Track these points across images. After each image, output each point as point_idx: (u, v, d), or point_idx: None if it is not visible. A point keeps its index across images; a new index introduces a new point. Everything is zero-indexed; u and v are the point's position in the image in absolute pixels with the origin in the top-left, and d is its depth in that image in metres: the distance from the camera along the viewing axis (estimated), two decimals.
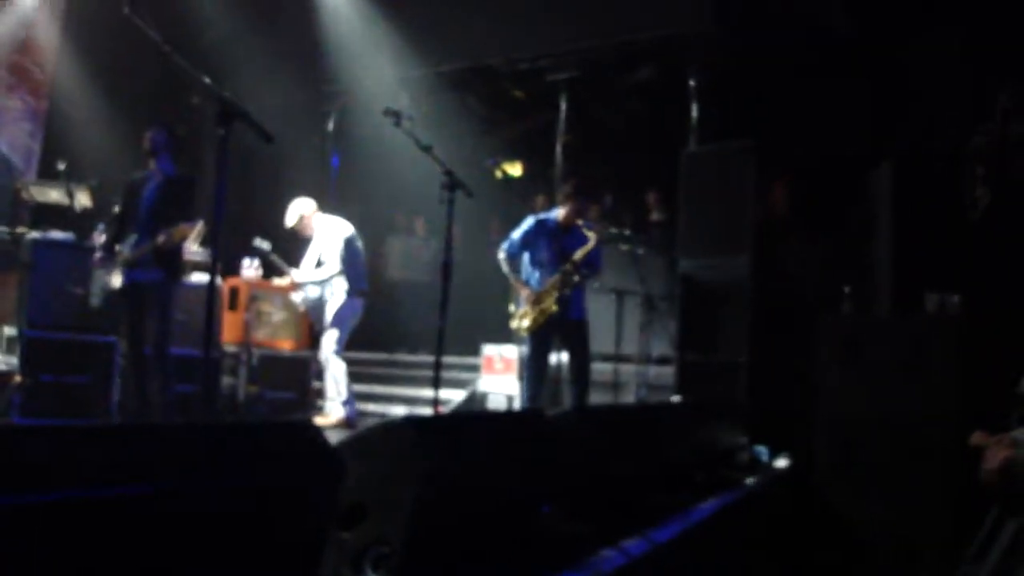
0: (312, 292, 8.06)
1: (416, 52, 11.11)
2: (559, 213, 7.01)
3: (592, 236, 6.73)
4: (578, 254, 6.65)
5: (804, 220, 7.54)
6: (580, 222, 6.87)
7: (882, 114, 7.44)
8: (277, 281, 8.20)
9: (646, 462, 4.30)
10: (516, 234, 6.98)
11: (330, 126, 12.71)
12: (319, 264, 7.97)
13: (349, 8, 11.48)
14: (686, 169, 7.70)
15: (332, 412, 7.86)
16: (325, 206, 8.46)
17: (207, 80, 3.64)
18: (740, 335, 7.00)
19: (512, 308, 7.35)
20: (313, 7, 11.58)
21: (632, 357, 8.17)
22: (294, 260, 8.14)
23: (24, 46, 10.45)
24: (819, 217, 7.49)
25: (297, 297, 8.16)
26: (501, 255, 6.98)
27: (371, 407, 9.01)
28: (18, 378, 6.47)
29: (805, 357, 6.33)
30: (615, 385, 8.09)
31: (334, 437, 2.19)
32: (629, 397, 8.16)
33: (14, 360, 6.61)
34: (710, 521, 4.06)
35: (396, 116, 5.50)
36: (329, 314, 7.92)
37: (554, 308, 6.60)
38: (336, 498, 1.98)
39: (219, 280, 5.55)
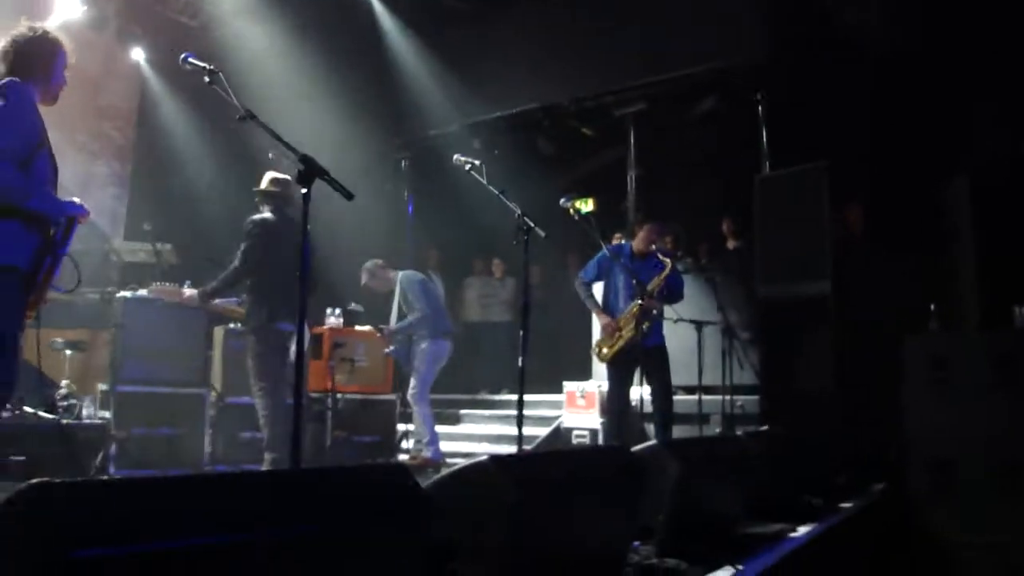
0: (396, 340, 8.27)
1: (483, 96, 11.25)
2: (634, 242, 7.03)
3: (668, 263, 6.73)
4: (653, 283, 6.65)
5: (883, 239, 7.43)
6: (655, 249, 6.88)
7: (953, 125, 7.32)
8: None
9: (735, 494, 4.26)
10: (592, 262, 7.05)
11: (403, 174, 12.90)
12: (400, 317, 8.16)
13: (415, 57, 11.66)
14: (760, 194, 7.66)
15: (418, 453, 7.94)
16: (403, 254, 8.65)
17: (285, 141, 3.73)
18: (825, 360, 6.90)
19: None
20: (380, 56, 11.79)
21: (715, 388, 8.09)
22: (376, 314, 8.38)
23: (106, 112, 10.81)
24: (898, 235, 7.37)
25: (388, 349, 8.37)
26: (578, 283, 7.05)
27: (455, 447, 9.05)
28: (113, 432, 6.66)
29: (893, 379, 6.22)
30: (699, 417, 8.02)
31: (421, 479, 2.22)
32: (714, 429, 8.07)
33: (108, 415, 6.80)
34: (803, 550, 4.00)
35: (468, 163, 5.58)
36: (414, 357, 8.06)
37: (632, 335, 6.60)
38: (426, 538, 2.01)
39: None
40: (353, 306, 8.01)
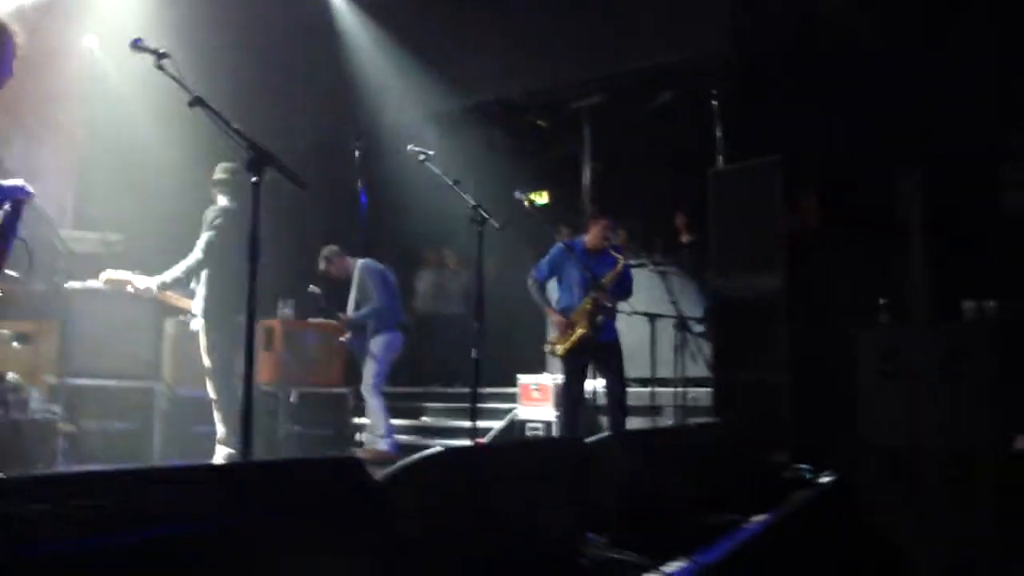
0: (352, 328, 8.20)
1: (439, 88, 11.20)
2: (586, 238, 7.04)
3: (620, 259, 6.75)
4: (607, 277, 6.66)
5: (835, 232, 7.50)
6: (607, 245, 6.89)
7: (907, 120, 7.41)
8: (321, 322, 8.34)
9: (688, 485, 4.28)
10: (544, 260, 7.03)
11: (356, 164, 12.82)
12: (357, 305, 8.09)
13: (371, 47, 11.59)
14: (714, 188, 7.70)
15: (372, 446, 7.90)
16: (355, 244, 8.58)
17: (238, 128, 3.68)
18: (777, 352, 6.96)
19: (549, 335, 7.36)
20: (334, 47, 11.71)
21: (668, 380, 8.14)
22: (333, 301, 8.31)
23: (55, 97, 10.62)
24: (850, 228, 7.44)
25: (344, 338, 8.29)
26: (530, 281, 7.03)
27: (410, 439, 9.03)
28: (63, 426, 6.55)
29: (844, 371, 6.28)
30: (652, 409, 8.06)
31: (376, 472, 2.20)
32: (667, 420, 8.12)
33: (58, 408, 6.68)
34: (755, 541, 4.03)
35: (421, 153, 5.57)
36: (368, 349, 8.01)
37: (585, 331, 6.61)
38: (380, 531, 1.99)
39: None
40: (312, 288, 7.90)
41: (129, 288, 6.51)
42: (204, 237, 6.27)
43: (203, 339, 6.39)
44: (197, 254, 6.24)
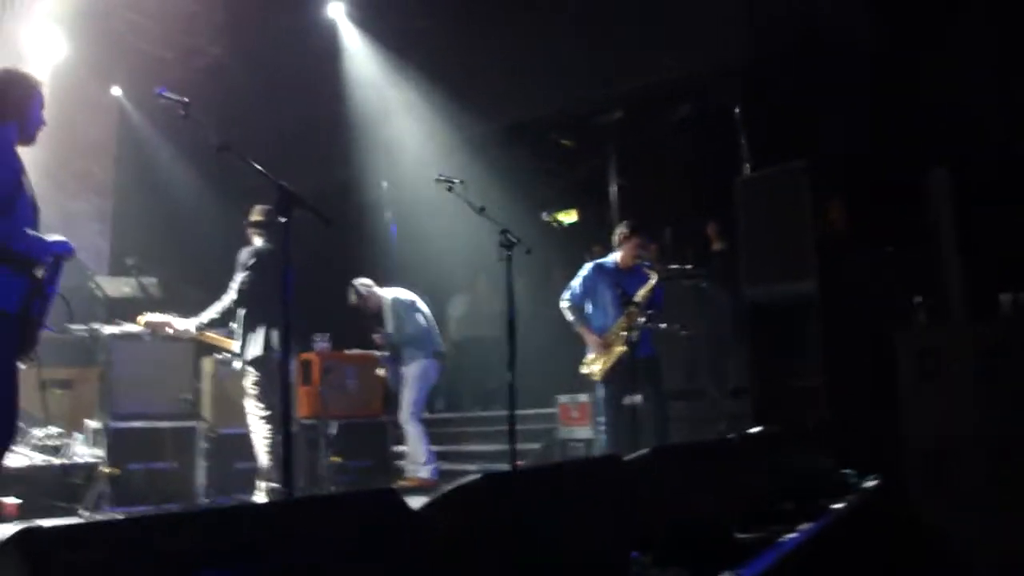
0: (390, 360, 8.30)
1: (461, 114, 11.27)
2: (618, 256, 7.03)
3: (653, 275, 6.74)
4: (640, 294, 6.65)
5: (866, 235, 7.45)
6: (639, 261, 6.89)
7: (932, 120, 7.36)
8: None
9: (731, 497, 4.26)
10: (576, 281, 7.03)
11: (384, 195, 12.93)
12: (389, 336, 8.17)
13: (390, 76, 11.68)
14: (741, 196, 7.67)
15: (413, 474, 7.93)
16: (387, 274, 8.66)
17: (263, 170, 3.74)
18: (814, 358, 6.91)
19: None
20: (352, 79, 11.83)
21: (706, 391, 8.10)
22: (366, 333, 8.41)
23: (84, 149, 10.79)
24: (881, 229, 7.39)
25: (381, 371, 8.40)
26: (564, 304, 7.02)
27: (451, 466, 9.04)
28: (106, 469, 6.62)
29: (884, 374, 6.23)
30: (693, 421, 8.02)
31: (417, 500, 2.21)
32: (709, 432, 8.07)
33: (101, 452, 6.76)
34: (801, 550, 4.00)
35: (448, 182, 5.61)
36: (404, 378, 8.07)
37: (623, 350, 6.60)
38: (422, 562, 2.00)
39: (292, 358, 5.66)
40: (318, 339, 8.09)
41: (168, 330, 6.61)
42: (238, 278, 6.41)
43: (245, 378, 6.51)
44: (232, 294, 6.40)
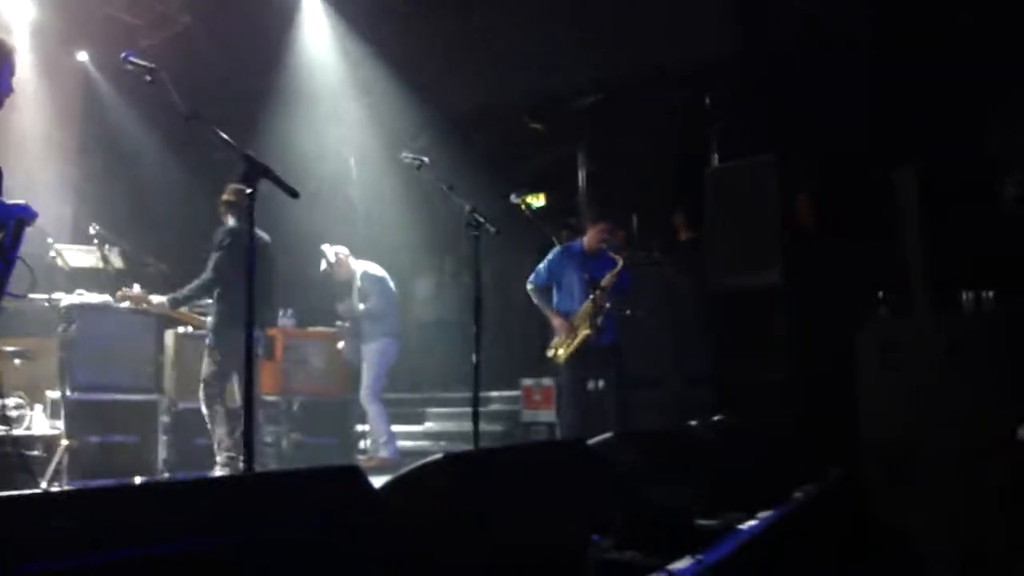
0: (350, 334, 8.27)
1: (432, 94, 11.22)
2: (585, 240, 7.04)
3: (619, 260, 6.75)
4: (606, 279, 6.66)
5: (833, 228, 7.50)
6: (606, 247, 6.90)
7: (902, 115, 7.42)
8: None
9: (692, 484, 4.29)
10: (542, 264, 7.03)
11: (353, 172, 12.85)
12: (352, 308, 8.14)
13: (363, 54, 11.60)
14: (710, 187, 7.69)
15: (374, 453, 7.92)
16: (353, 251, 8.62)
17: (230, 140, 3.70)
18: (777, 348, 6.95)
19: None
20: (323, 53, 11.74)
21: (669, 379, 8.13)
22: (329, 305, 8.38)
23: (50, 115, 10.63)
24: (848, 223, 7.44)
25: (341, 344, 8.37)
26: (530, 287, 7.04)
27: (412, 445, 9.03)
28: (65, 441, 6.55)
29: (846, 365, 6.28)
30: (655, 408, 8.05)
31: (379, 479, 2.21)
32: (670, 420, 8.11)
33: (60, 424, 6.68)
34: (760, 538, 4.03)
35: (416, 159, 5.57)
36: (365, 357, 8.04)
37: (588, 334, 6.61)
38: (383, 540, 1.99)
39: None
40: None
41: (144, 305, 6.63)
42: (214, 257, 6.45)
43: (208, 353, 6.52)
44: (208, 274, 6.46)
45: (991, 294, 5.82)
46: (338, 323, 8.65)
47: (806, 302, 6.96)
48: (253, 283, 3.58)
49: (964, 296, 5.92)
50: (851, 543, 5.52)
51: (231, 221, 6.63)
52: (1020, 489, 5.13)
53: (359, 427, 8.77)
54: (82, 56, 10.93)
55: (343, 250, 8.36)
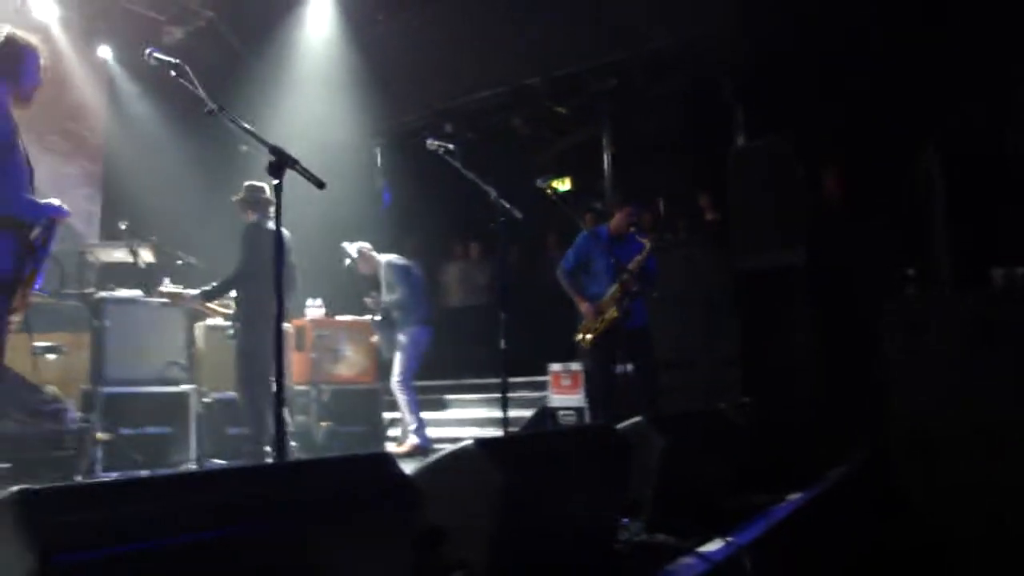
0: (381, 325, 8.33)
1: (455, 80, 11.23)
2: (611, 224, 7.04)
3: (646, 243, 6.74)
4: (633, 263, 6.64)
5: (858, 205, 7.46)
6: (633, 230, 6.88)
7: (924, 92, 7.35)
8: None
9: (721, 466, 4.29)
10: (571, 250, 7.03)
11: (378, 161, 12.89)
12: (382, 300, 8.19)
13: (385, 42, 11.62)
14: (734, 167, 7.68)
15: (406, 440, 7.97)
16: (380, 240, 8.66)
17: (255, 132, 3.72)
18: (804, 328, 6.94)
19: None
20: (345, 41, 11.77)
21: (698, 361, 8.13)
22: (356, 298, 8.46)
23: (75, 112, 10.71)
24: (873, 201, 7.40)
25: (374, 338, 8.46)
26: (559, 272, 7.04)
27: (443, 432, 9.08)
28: (99, 434, 6.63)
29: (873, 344, 6.25)
30: (683, 391, 8.05)
31: (409, 465, 2.23)
32: (699, 402, 8.11)
33: (94, 417, 6.76)
34: (790, 519, 4.04)
35: (441, 146, 5.58)
36: (396, 344, 8.09)
37: (616, 317, 6.61)
38: (415, 526, 2.02)
39: (285, 323, 5.67)
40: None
41: (181, 301, 6.87)
42: (241, 255, 6.48)
43: (237, 345, 6.58)
44: (237, 268, 6.51)
45: (1022, 270, 5.79)
46: (369, 317, 8.70)
47: (831, 280, 6.94)
48: (281, 274, 3.61)
49: (995, 272, 5.88)
50: (879, 523, 5.52)
51: (253, 217, 6.69)
52: None
53: (389, 415, 8.82)
54: (106, 52, 10.99)
55: (366, 245, 8.41)
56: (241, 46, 11.03)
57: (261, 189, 6.67)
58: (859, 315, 6.52)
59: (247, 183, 6.79)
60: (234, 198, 6.85)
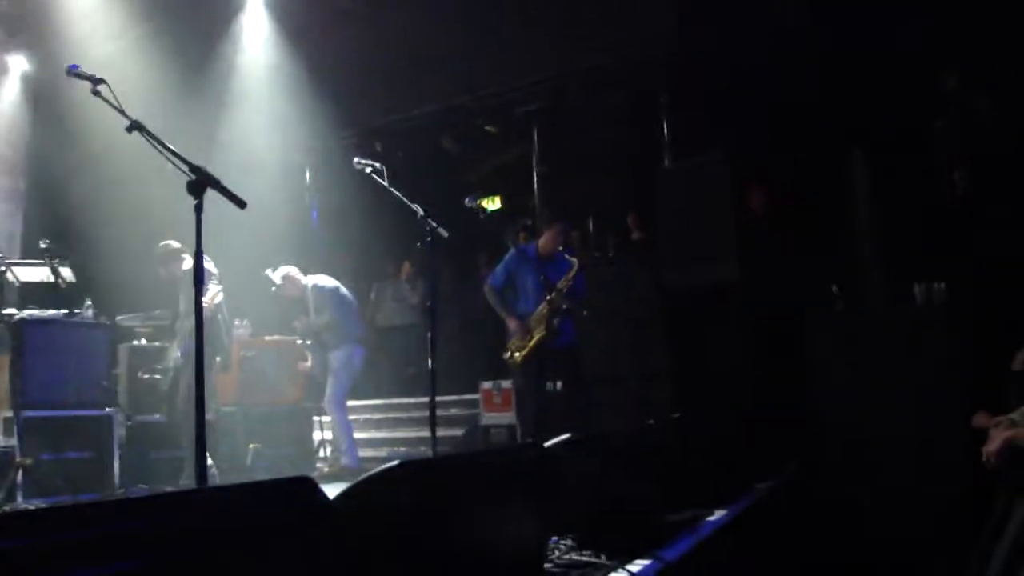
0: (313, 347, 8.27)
1: (383, 100, 11.20)
2: (540, 242, 7.05)
3: (574, 262, 6.76)
4: (562, 281, 6.66)
5: (785, 221, 7.57)
6: (561, 249, 6.91)
7: (849, 108, 7.51)
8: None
9: (651, 483, 4.30)
10: (499, 267, 7.03)
11: (307, 179, 12.81)
12: (310, 323, 8.12)
13: (311, 61, 11.54)
14: (662, 186, 7.74)
15: (336, 461, 7.90)
16: (309, 260, 8.58)
17: (174, 150, 3.66)
18: (733, 343, 7.01)
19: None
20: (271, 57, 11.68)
21: (627, 377, 8.17)
22: (287, 321, 8.38)
23: None
24: (800, 216, 7.51)
25: (306, 364, 8.40)
26: (487, 288, 7.03)
27: (373, 452, 9.01)
28: (19, 459, 6.45)
29: (802, 358, 6.34)
30: (613, 407, 8.07)
31: (339, 487, 2.19)
32: (629, 418, 8.14)
33: (13, 442, 6.58)
34: (719, 535, 4.06)
35: (369, 167, 5.56)
36: (330, 365, 8.02)
37: (544, 335, 6.60)
38: (334, 551, 1.98)
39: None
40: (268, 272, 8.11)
41: None
42: (184, 297, 6.85)
43: (184, 373, 6.64)
44: (187, 316, 6.77)
45: (942, 286, 5.92)
46: (298, 340, 8.62)
47: (760, 296, 7.03)
48: (200, 296, 3.55)
49: (916, 289, 6.02)
50: (811, 533, 5.58)
51: (187, 263, 6.74)
52: (976, 477, 5.21)
53: (319, 435, 8.73)
54: (29, 68, 10.78)
55: (292, 268, 8.32)
56: (171, 62, 10.86)
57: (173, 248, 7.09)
58: (788, 329, 6.61)
59: (162, 243, 7.17)
60: (158, 255, 7.16)
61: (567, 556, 3.27)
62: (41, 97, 10.94)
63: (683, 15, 9.20)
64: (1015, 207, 6.07)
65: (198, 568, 1.63)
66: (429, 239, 5.39)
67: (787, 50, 8.06)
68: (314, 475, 5.74)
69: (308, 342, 8.42)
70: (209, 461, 6.31)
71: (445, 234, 5.41)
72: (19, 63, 10.77)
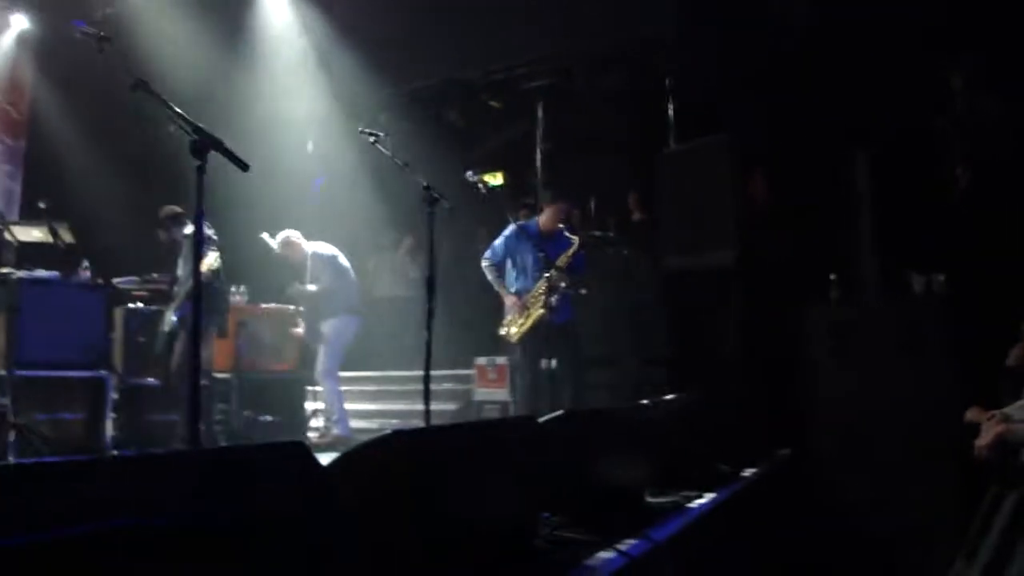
0: (306, 315, 8.25)
1: (391, 70, 11.14)
2: (541, 219, 7.03)
3: (575, 240, 6.75)
4: (561, 259, 6.65)
5: (785, 210, 7.54)
6: (562, 227, 6.89)
7: (855, 98, 7.46)
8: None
9: (642, 463, 4.30)
10: (498, 241, 7.01)
11: (309, 147, 12.75)
12: (307, 290, 8.10)
13: (321, 29, 11.48)
14: (663, 168, 7.71)
15: (327, 431, 7.90)
16: (309, 228, 8.55)
17: (179, 111, 3.63)
18: (730, 328, 7.00)
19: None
20: (282, 25, 11.62)
21: (623, 358, 8.17)
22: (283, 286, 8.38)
23: (0, 87, 10.41)
24: (801, 205, 7.49)
25: (298, 330, 8.37)
26: (484, 263, 7.02)
27: (366, 424, 9.01)
28: (12, 418, 6.44)
29: (798, 346, 6.34)
30: (610, 388, 8.09)
31: (331, 456, 2.19)
32: (625, 399, 8.14)
33: (6, 401, 6.57)
34: (709, 516, 4.06)
35: (373, 136, 5.53)
36: (322, 334, 8.00)
37: (541, 313, 6.60)
38: (328, 517, 1.98)
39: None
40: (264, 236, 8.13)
41: None
42: (183, 262, 6.97)
43: (179, 337, 6.82)
44: (184, 281, 6.90)
45: (942, 277, 5.90)
46: (291, 308, 8.61)
47: (758, 282, 7.01)
48: (198, 261, 3.54)
49: (915, 278, 6.00)
50: (800, 522, 5.59)
51: (188, 228, 6.73)
52: (967, 470, 5.21)
53: (312, 405, 8.73)
54: (32, 27, 10.70)
55: (294, 233, 8.29)
56: (175, 24, 10.78)
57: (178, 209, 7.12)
58: (785, 317, 6.60)
59: (167, 207, 7.22)
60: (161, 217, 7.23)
61: (557, 532, 3.27)
62: (43, 56, 10.87)
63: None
64: (1017, 202, 6.05)
65: (187, 531, 1.62)
66: (430, 211, 5.37)
67: (792, 38, 8.01)
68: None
69: (301, 308, 8.41)
70: (202, 426, 6.33)
71: (448, 206, 5.39)
72: (20, 21, 10.67)
